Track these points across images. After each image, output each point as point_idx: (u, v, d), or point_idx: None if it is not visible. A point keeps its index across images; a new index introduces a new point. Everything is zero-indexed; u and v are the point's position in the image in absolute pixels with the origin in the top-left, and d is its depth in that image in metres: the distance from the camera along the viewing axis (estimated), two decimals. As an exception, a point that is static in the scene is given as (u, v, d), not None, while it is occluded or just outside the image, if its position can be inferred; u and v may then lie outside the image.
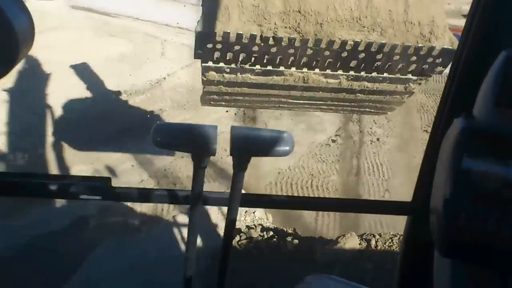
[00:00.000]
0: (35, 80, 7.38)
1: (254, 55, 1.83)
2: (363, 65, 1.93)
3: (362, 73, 2.02)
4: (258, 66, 1.93)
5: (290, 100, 2.38)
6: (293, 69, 2.01)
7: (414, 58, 1.88)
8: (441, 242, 0.94)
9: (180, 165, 5.99)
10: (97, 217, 4.92)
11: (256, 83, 2.12)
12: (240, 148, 1.15)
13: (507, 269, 0.96)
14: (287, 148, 1.16)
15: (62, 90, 7.26)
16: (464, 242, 0.91)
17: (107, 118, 6.84)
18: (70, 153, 6.03)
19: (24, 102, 6.97)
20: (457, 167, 0.91)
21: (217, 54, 1.89)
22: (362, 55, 1.85)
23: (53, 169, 5.71)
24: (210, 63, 1.94)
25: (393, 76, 2.06)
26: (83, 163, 5.87)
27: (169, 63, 8.47)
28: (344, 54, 1.88)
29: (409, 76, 2.06)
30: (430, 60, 1.88)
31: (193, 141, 1.12)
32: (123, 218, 4.97)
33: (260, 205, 1.92)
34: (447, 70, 1.77)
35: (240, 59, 1.97)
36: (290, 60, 1.93)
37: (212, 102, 2.33)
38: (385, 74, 2.03)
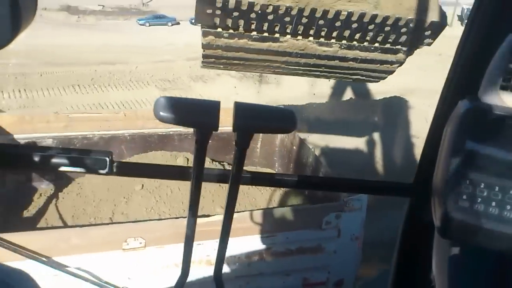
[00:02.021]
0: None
1: (253, 21, 1.77)
2: (356, 35, 1.89)
3: (355, 43, 1.97)
4: (255, 33, 1.85)
5: (286, 66, 2.14)
6: (289, 36, 1.94)
7: (405, 29, 1.85)
8: (441, 223, 0.93)
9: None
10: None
11: (254, 48, 1.97)
12: (243, 125, 1.11)
13: (506, 252, 0.93)
14: (290, 125, 1.13)
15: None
16: (465, 224, 0.89)
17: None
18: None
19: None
20: (461, 149, 0.91)
21: (216, 20, 1.74)
22: (355, 25, 1.84)
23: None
24: (209, 28, 1.84)
25: (384, 46, 2.00)
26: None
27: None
28: (338, 23, 1.86)
29: (399, 46, 2.00)
30: (419, 32, 1.85)
31: (195, 116, 1.10)
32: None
33: (263, 183, 1.65)
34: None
35: (239, 25, 1.80)
36: (287, 27, 1.87)
37: (211, 65, 2.17)
38: (377, 44, 1.99)
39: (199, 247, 3.11)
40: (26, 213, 3.96)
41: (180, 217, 3.20)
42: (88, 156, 1.48)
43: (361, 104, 8.58)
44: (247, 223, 3.16)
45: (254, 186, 4.22)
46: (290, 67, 2.44)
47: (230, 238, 3.15)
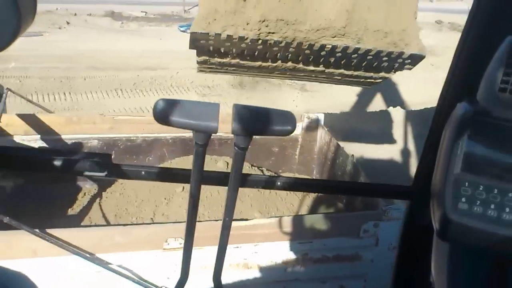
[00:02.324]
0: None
1: (244, 50, 1.95)
2: (341, 62, 2.08)
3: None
4: (247, 57, 2.07)
5: (277, 75, 2.49)
6: (279, 62, 2.20)
7: (386, 59, 2.01)
8: (440, 225, 0.93)
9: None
10: None
11: (246, 65, 2.20)
12: (243, 128, 1.10)
13: (505, 254, 0.93)
14: (289, 127, 1.12)
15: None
16: (464, 226, 0.90)
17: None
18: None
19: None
20: (459, 151, 0.91)
21: (210, 47, 1.95)
22: (339, 55, 2.00)
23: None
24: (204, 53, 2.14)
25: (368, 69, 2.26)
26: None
27: None
28: (323, 53, 2.03)
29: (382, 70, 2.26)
30: (400, 60, 2.02)
31: (195, 118, 1.08)
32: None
33: (261, 186, 1.67)
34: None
35: (231, 52, 1.99)
36: (277, 55, 2.11)
37: (206, 73, 2.53)
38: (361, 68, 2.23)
39: (237, 250, 3.15)
40: (71, 211, 4.10)
41: (219, 220, 3.26)
42: (88, 159, 1.48)
43: (400, 114, 8.50)
44: (284, 228, 3.19)
45: (292, 192, 4.25)
46: (281, 76, 2.62)
47: (268, 243, 3.21)
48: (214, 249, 1.54)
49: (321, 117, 4.67)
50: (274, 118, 1.14)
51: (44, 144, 4.15)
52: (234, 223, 3.18)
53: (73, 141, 4.29)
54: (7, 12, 0.74)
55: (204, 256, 2.82)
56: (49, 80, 11.56)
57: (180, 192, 4.11)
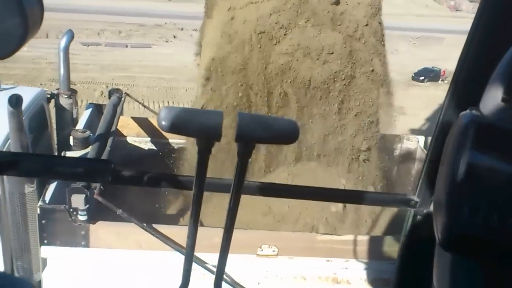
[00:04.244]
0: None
1: None
2: None
3: None
4: None
5: None
6: None
7: None
8: (443, 235, 0.92)
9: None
10: None
11: None
12: (246, 135, 1.08)
13: (507, 265, 0.93)
14: (293, 135, 1.10)
15: None
16: (467, 236, 0.89)
17: None
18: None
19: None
20: (462, 161, 0.89)
21: None
22: None
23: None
24: None
25: None
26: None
27: None
28: None
29: None
30: None
31: (199, 126, 1.05)
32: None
33: (264, 193, 1.69)
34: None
35: None
36: None
37: None
38: None
39: (327, 263, 3.20)
40: (171, 211, 4.34)
41: (313, 233, 3.33)
42: (92, 165, 1.51)
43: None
44: (375, 247, 3.20)
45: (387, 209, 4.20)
46: None
47: (358, 260, 3.19)
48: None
49: (421, 139, 4.63)
50: (277, 126, 1.14)
51: (153, 146, 4.46)
52: (325, 237, 3.24)
53: (179, 145, 4.53)
54: (15, 21, 0.76)
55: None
56: (154, 89, 12.32)
57: (276, 202, 4.19)
